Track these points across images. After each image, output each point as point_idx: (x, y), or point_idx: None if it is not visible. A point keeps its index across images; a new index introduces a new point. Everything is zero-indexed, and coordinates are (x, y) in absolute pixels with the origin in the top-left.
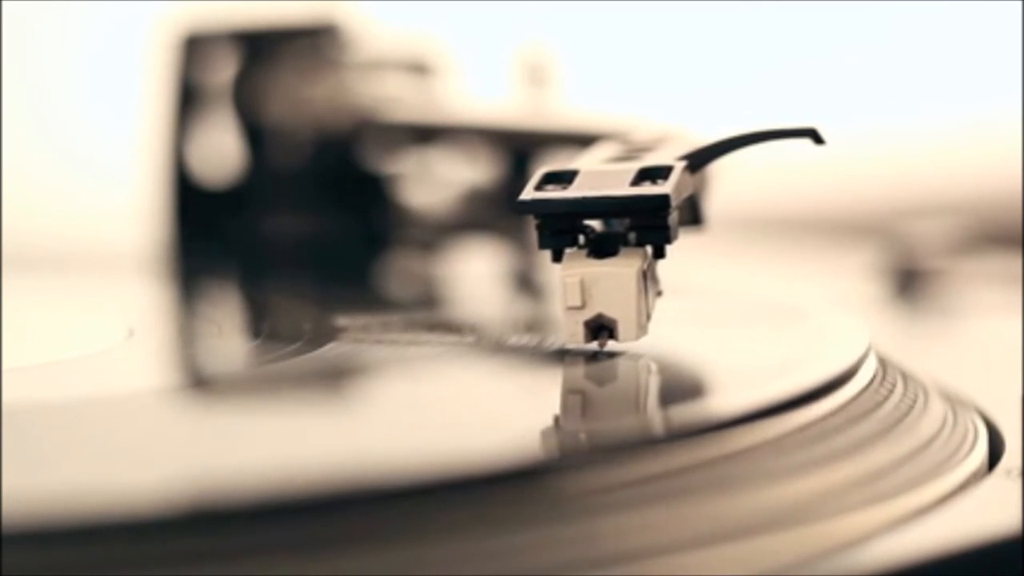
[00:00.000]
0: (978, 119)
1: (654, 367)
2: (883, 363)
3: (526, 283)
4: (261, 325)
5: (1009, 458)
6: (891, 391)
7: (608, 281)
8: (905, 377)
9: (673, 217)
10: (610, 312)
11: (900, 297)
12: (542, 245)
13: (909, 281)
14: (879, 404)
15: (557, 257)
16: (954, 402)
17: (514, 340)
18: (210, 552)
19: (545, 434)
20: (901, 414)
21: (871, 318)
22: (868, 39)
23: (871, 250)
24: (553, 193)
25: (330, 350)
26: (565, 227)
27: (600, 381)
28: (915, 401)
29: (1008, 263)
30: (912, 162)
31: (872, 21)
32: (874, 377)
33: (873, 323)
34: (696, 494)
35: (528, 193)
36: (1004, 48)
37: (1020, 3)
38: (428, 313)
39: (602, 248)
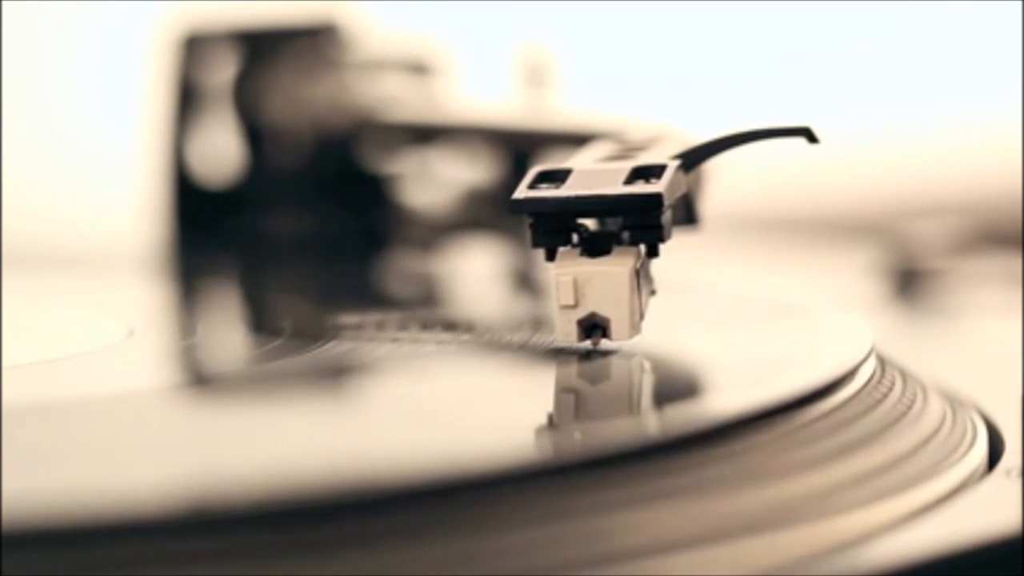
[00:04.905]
0: (978, 119)
1: (647, 366)
2: (882, 362)
3: (525, 282)
4: (261, 324)
5: (1009, 458)
6: (889, 390)
7: (601, 280)
8: (904, 376)
9: (666, 216)
10: (603, 311)
11: (900, 297)
12: (535, 244)
13: (909, 281)
14: (878, 403)
15: (550, 256)
16: (953, 401)
17: (511, 338)
18: (210, 552)
19: (544, 434)
20: (900, 413)
21: (871, 318)
22: (868, 39)
23: (871, 250)
24: (546, 192)
25: (330, 349)
26: (558, 226)
27: (593, 380)
28: (914, 400)
29: (1008, 263)
30: (912, 162)
31: (872, 21)
32: (873, 376)
33: (873, 323)
34: (695, 494)
35: (521, 192)
36: (1004, 48)
37: (1020, 3)
38: (427, 312)
39: (595, 247)
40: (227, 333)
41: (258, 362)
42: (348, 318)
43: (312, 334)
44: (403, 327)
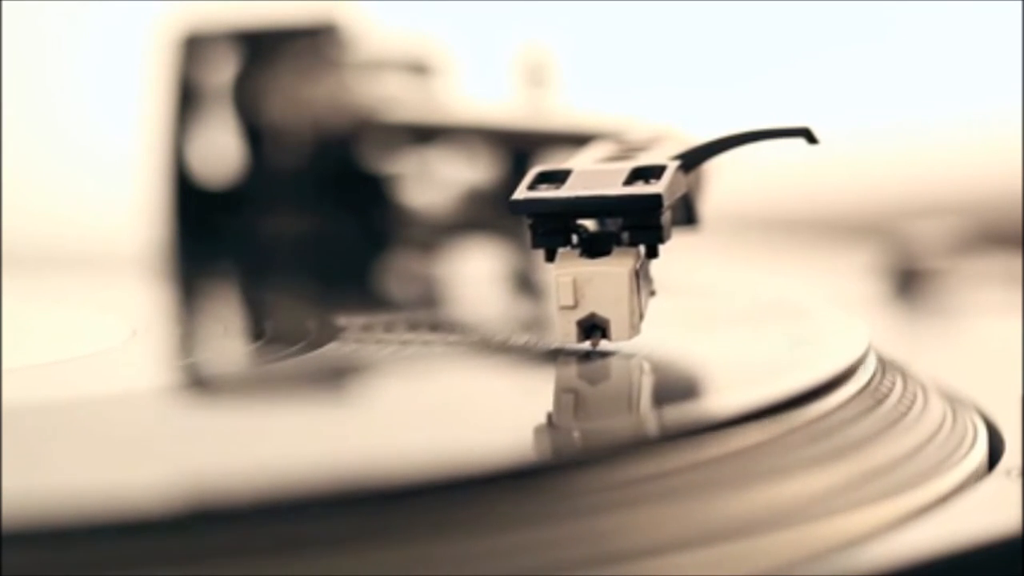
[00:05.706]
0: (978, 119)
1: (647, 366)
2: (882, 362)
3: (525, 283)
4: (262, 325)
5: (1009, 458)
6: (890, 390)
7: (601, 281)
8: (904, 376)
9: (666, 216)
10: (603, 312)
11: (900, 297)
12: (535, 244)
13: (909, 281)
14: (878, 403)
15: (550, 257)
16: (953, 401)
17: (511, 339)
18: (210, 552)
19: (544, 434)
20: (900, 413)
21: (871, 318)
22: (868, 39)
23: (871, 250)
24: (546, 192)
25: (330, 350)
26: (558, 227)
27: (593, 380)
28: (914, 400)
29: (1008, 263)
30: (912, 162)
31: (872, 21)
32: (873, 376)
33: (873, 323)
34: (694, 494)
35: (521, 192)
36: (1004, 48)
37: (1020, 3)
38: (427, 313)
39: (595, 248)
40: (227, 333)
41: (259, 362)
42: (347, 318)
43: (309, 335)
44: (403, 327)
